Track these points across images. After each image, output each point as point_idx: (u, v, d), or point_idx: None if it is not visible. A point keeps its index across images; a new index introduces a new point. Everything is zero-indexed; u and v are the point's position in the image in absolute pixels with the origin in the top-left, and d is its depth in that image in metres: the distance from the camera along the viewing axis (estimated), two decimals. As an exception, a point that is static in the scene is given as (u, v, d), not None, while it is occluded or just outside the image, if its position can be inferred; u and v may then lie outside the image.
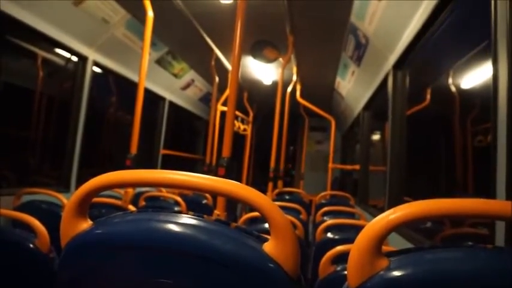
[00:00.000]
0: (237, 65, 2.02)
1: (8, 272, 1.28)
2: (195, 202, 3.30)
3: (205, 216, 0.68)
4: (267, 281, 0.62)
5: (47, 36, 2.85)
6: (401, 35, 2.45)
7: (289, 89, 5.06)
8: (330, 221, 2.15)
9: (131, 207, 2.45)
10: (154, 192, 3.35)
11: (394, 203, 2.57)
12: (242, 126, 6.46)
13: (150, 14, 2.79)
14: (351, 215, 3.17)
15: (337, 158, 7.66)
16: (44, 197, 2.42)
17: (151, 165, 5.19)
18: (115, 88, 4.63)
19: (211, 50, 4.33)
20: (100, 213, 2.24)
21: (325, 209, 3.01)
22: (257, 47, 4.25)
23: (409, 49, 2.42)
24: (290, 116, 5.47)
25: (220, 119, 5.35)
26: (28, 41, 3.12)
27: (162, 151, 5.40)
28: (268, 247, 0.63)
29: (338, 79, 5.16)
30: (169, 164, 5.70)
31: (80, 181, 3.34)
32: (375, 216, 0.64)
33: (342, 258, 1.05)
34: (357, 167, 4.90)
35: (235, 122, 5.71)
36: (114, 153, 5.06)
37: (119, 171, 0.69)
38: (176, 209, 2.85)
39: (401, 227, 0.63)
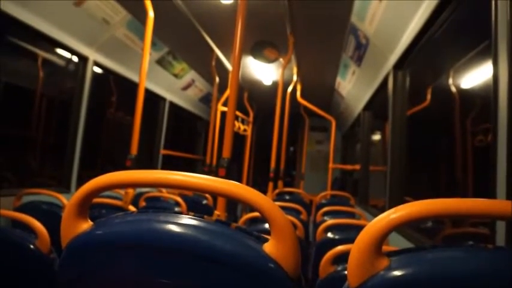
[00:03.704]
0: (237, 65, 2.02)
1: (8, 272, 1.28)
2: (196, 202, 3.30)
3: (205, 216, 0.68)
4: (267, 281, 0.62)
5: (47, 36, 2.86)
6: (402, 35, 2.45)
7: (290, 89, 5.06)
8: (330, 221, 2.14)
9: (131, 208, 2.46)
10: (154, 192, 3.36)
11: (394, 202, 2.57)
12: (242, 127, 6.46)
13: (150, 14, 2.80)
14: (351, 215, 3.17)
15: (337, 158, 7.67)
16: (45, 197, 2.42)
17: (152, 166, 5.19)
18: (115, 88, 4.63)
19: (212, 50, 4.34)
20: (100, 213, 2.24)
21: (326, 209, 3.01)
22: (257, 47, 4.26)
23: (410, 49, 2.42)
24: (290, 116, 5.47)
25: (220, 119, 5.35)
26: (29, 41, 3.13)
27: (163, 151, 5.40)
28: (269, 247, 0.63)
29: (338, 79, 5.16)
30: (170, 164, 5.70)
31: (81, 182, 3.35)
32: (375, 216, 0.64)
33: (342, 258, 1.05)
34: (357, 167, 4.90)
35: (236, 122, 5.71)
36: (115, 153, 5.06)
37: (119, 172, 0.69)
38: (176, 209, 2.85)
39: (402, 227, 0.63)
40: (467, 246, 0.63)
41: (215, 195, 0.69)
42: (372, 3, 2.63)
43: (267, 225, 0.65)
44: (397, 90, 2.76)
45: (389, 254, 0.61)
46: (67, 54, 3.32)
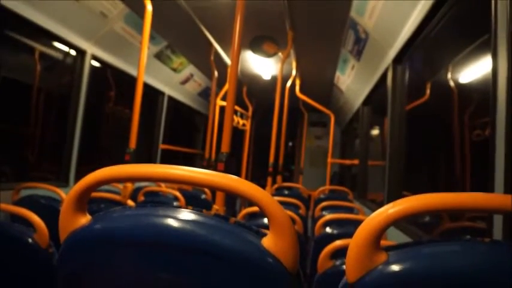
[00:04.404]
0: (236, 59, 2.01)
1: (6, 266, 1.29)
2: (194, 197, 3.30)
3: (204, 211, 0.68)
4: (266, 276, 0.62)
5: (45, 30, 2.84)
6: (401, 29, 2.45)
7: (289, 83, 5.05)
8: (328, 216, 2.15)
9: (130, 202, 2.46)
10: (153, 187, 3.36)
11: (393, 197, 2.58)
12: (241, 121, 6.46)
13: (149, 8, 2.78)
14: (350, 210, 3.18)
15: (336, 152, 7.68)
16: (43, 191, 2.42)
17: (151, 160, 5.19)
18: (114, 82, 4.61)
19: (211, 44, 4.32)
20: (99, 208, 2.24)
21: (324, 203, 3.01)
22: (256, 42, 4.24)
23: (409, 44, 2.42)
24: (289, 111, 5.47)
25: (219, 113, 5.35)
26: (26, 35, 3.11)
27: (161, 146, 5.40)
28: (267, 242, 0.63)
29: (338, 74, 5.15)
30: (168, 158, 5.69)
31: (79, 176, 3.34)
32: (373, 210, 0.64)
33: (341, 252, 1.05)
34: (356, 161, 4.91)
35: (235, 116, 5.71)
36: (114, 147, 5.06)
37: (117, 166, 0.69)
38: (175, 203, 2.85)
39: (400, 221, 0.63)
40: (465, 240, 0.63)
41: (214, 189, 0.69)
42: (372, -3, 2.62)
43: (265, 220, 0.65)
44: (396, 84, 2.75)
45: (387, 249, 0.61)
46: (65, 48, 3.30)
